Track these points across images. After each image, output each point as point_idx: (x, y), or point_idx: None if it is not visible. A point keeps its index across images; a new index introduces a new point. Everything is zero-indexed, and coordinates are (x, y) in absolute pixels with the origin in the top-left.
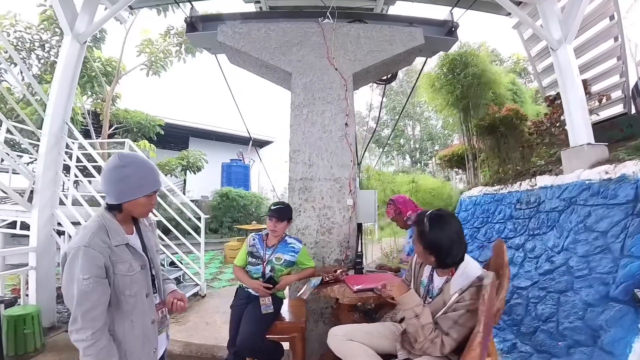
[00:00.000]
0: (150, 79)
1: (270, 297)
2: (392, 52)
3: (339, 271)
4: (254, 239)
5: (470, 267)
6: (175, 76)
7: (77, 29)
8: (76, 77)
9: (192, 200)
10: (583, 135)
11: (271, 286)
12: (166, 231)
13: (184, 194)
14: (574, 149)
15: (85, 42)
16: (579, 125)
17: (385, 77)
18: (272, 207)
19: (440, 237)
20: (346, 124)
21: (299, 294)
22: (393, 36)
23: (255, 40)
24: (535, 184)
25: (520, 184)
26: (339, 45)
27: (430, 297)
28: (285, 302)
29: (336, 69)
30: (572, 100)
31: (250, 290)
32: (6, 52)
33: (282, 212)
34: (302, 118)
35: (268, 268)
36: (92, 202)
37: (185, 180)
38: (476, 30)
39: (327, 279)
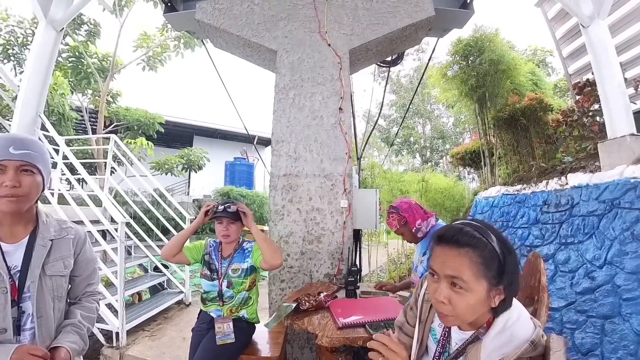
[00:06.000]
0: (155, 77)
1: (230, 323)
2: (396, 25)
3: (323, 294)
4: (210, 246)
5: (519, 323)
6: (180, 74)
7: (53, 14)
8: (51, 67)
9: (194, 200)
10: (623, 125)
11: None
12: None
13: (188, 193)
14: (614, 140)
15: (63, 29)
16: (618, 113)
17: (389, 58)
18: (220, 206)
19: (515, 261)
20: (340, 108)
21: (264, 324)
22: (397, 7)
23: (237, 16)
24: (566, 183)
25: (547, 183)
26: (332, 18)
27: (444, 358)
28: (260, 326)
29: (329, 45)
30: (608, 84)
31: (212, 313)
32: None
33: (235, 210)
34: (288, 102)
35: (225, 284)
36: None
37: (189, 180)
38: (490, 20)
39: (305, 306)
